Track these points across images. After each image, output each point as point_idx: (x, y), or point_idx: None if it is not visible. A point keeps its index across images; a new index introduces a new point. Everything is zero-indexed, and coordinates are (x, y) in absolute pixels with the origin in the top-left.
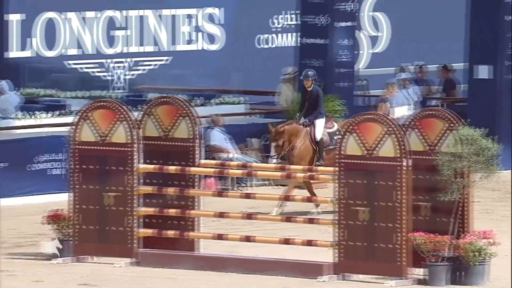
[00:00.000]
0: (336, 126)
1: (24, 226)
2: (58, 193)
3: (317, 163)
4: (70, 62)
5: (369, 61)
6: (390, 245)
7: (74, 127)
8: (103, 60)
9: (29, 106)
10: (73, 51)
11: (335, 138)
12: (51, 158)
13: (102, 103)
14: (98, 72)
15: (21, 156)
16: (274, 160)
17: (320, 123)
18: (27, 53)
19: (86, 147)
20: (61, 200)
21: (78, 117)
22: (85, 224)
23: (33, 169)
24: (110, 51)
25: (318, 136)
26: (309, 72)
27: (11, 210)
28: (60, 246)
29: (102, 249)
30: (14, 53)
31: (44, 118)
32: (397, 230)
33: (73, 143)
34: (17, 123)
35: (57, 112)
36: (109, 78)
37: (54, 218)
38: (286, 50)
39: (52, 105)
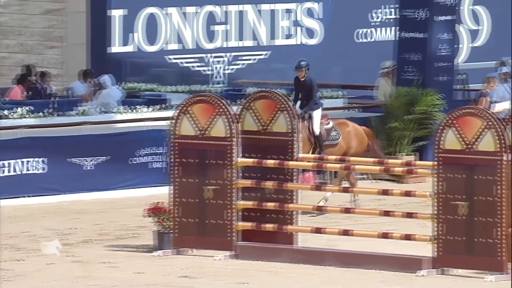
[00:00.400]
0: (331, 123)
1: (126, 219)
2: (158, 186)
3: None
4: (171, 56)
5: (468, 55)
6: (490, 239)
7: (174, 121)
8: (203, 55)
9: (131, 100)
10: (173, 46)
11: (332, 134)
12: (152, 152)
13: (201, 98)
14: (198, 66)
15: (122, 149)
16: None
17: (317, 114)
18: (129, 48)
19: (186, 141)
20: (161, 193)
21: (178, 111)
22: (185, 217)
23: (134, 162)
24: (210, 45)
25: (317, 131)
26: (302, 63)
27: (113, 202)
28: (61, 247)
29: (201, 242)
30: (116, 48)
31: (145, 112)
32: (497, 224)
33: (173, 137)
34: (119, 117)
35: (158, 106)
36: (208, 72)
37: (155, 211)
38: (385, 44)
39: (152, 99)
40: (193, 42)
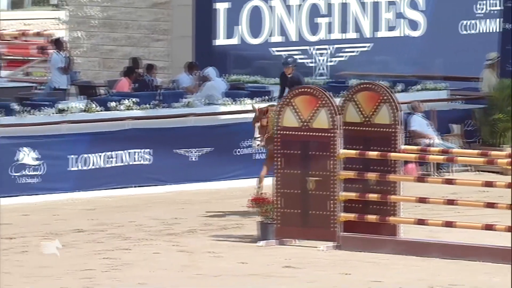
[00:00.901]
0: None
1: (230, 209)
2: None
3: None
4: (274, 49)
5: None
6: None
7: (277, 113)
8: (306, 47)
9: (234, 92)
10: (277, 39)
11: None
12: None
13: (304, 89)
14: (302, 59)
15: (227, 141)
16: (258, 142)
17: None
18: (233, 41)
19: (289, 132)
20: (265, 184)
21: (281, 103)
22: (287, 208)
23: (238, 153)
24: (313, 38)
25: None
26: (289, 59)
27: (217, 193)
28: (61, 247)
29: (304, 233)
30: (220, 40)
31: (249, 104)
32: None
33: (276, 128)
34: (223, 109)
35: (261, 98)
36: (312, 64)
37: (258, 202)
38: (489, 35)
39: (256, 91)
40: (296, 35)
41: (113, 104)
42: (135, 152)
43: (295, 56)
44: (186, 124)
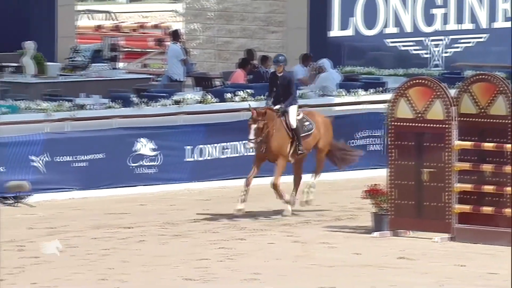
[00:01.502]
0: (301, 114)
1: (344, 200)
2: (376, 168)
3: (299, 152)
4: (389, 40)
5: None
6: None
7: (391, 104)
8: (422, 38)
9: (348, 83)
10: (392, 30)
11: (305, 125)
12: (369, 134)
13: (419, 81)
14: (417, 50)
15: (341, 132)
16: (252, 144)
17: (293, 109)
18: (347, 32)
19: (403, 123)
20: (379, 175)
21: (395, 94)
22: (401, 199)
23: (353, 144)
24: (428, 29)
25: (294, 124)
26: (280, 57)
27: (332, 184)
28: (60, 247)
29: (418, 224)
30: (335, 32)
31: (363, 95)
32: None
33: (390, 119)
34: (337, 100)
35: (375, 90)
36: (427, 56)
37: (372, 193)
38: None
39: (370, 83)
40: (411, 26)
41: (228, 95)
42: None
43: (410, 47)
44: None
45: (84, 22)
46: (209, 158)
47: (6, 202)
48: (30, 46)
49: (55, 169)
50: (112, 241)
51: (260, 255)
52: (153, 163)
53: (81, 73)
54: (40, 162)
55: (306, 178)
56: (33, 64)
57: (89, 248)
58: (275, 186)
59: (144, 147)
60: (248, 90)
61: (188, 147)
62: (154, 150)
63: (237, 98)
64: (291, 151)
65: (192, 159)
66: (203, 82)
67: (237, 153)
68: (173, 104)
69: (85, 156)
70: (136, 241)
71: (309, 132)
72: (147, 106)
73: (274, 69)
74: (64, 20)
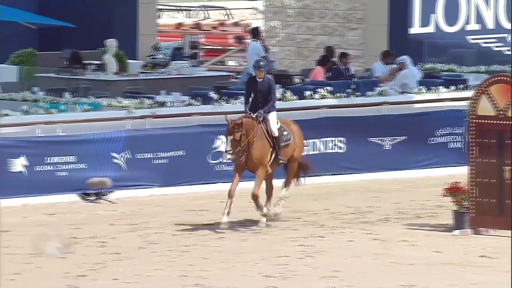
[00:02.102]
0: (279, 123)
1: (424, 198)
2: (457, 166)
3: (280, 161)
4: (471, 37)
5: None
6: None
7: (472, 101)
8: (504, 35)
9: (429, 80)
10: (473, 26)
11: (284, 134)
12: (450, 132)
13: (501, 78)
14: (499, 47)
15: (421, 129)
16: (229, 156)
17: (273, 117)
18: (428, 29)
19: (484, 121)
20: (460, 173)
21: (476, 91)
22: (482, 197)
23: (433, 142)
24: (511, 25)
25: (276, 132)
26: (261, 63)
27: (411, 182)
28: (61, 246)
29: (499, 222)
30: (416, 29)
31: (444, 92)
32: None
33: (471, 117)
34: (418, 97)
35: (456, 87)
36: (509, 52)
37: (453, 191)
38: None
39: (451, 80)
40: (493, 22)
41: (308, 93)
42: (329, 140)
43: (491, 44)
44: (380, 113)
45: (165, 20)
46: None
47: (88, 198)
48: (112, 44)
49: (136, 166)
50: (192, 238)
51: (340, 253)
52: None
53: (162, 71)
54: (122, 159)
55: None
56: (114, 61)
57: (170, 245)
58: (255, 197)
59: (224, 144)
60: (328, 88)
61: None
62: None
63: (316, 96)
64: (271, 161)
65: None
66: (282, 79)
67: (316, 151)
68: None
69: (166, 153)
70: (216, 238)
71: (288, 142)
72: (227, 103)
73: (256, 74)
74: (145, 18)
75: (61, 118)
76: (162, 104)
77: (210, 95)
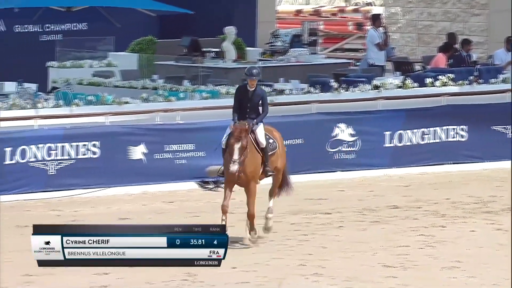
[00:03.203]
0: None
1: None
2: None
3: (269, 173)
4: None
5: None
6: None
7: None
8: None
9: None
10: None
11: (270, 142)
12: None
13: None
14: None
15: None
16: (237, 166)
17: (261, 127)
18: None
19: None
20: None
21: None
22: None
23: None
24: None
25: (264, 142)
26: (254, 71)
27: None
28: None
29: None
30: None
31: None
32: None
33: None
34: None
35: None
36: None
37: None
38: None
39: None
40: None
41: (429, 80)
42: (450, 128)
43: None
44: (503, 101)
45: (284, 6)
46: (408, 143)
47: (206, 186)
48: (231, 31)
49: None
50: (311, 227)
51: (461, 243)
52: (352, 149)
53: (280, 58)
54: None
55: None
56: (233, 49)
57: (288, 234)
58: (252, 217)
59: (343, 132)
60: (449, 75)
61: (387, 132)
62: (353, 135)
63: (437, 83)
64: (260, 173)
65: (391, 145)
66: (403, 66)
67: (437, 139)
68: (372, 89)
69: (284, 142)
70: (334, 227)
71: (274, 151)
72: (346, 91)
73: (248, 83)
74: (264, 5)
75: (180, 106)
76: (281, 92)
77: (329, 83)
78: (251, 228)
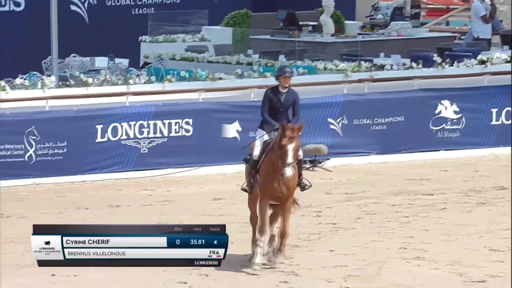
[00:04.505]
0: None
1: None
2: None
3: (306, 187)
4: None
5: None
6: None
7: None
8: None
9: None
10: None
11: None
12: None
13: None
14: None
15: None
16: (290, 171)
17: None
18: None
19: None
20: None
21: None
22: None
23: None
24: None
25: (301, 153)
26: (287, 68)
27: None
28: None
29: None
30: None
31: None
32: None
33: None
34: None
35: None
36: None
37: None
38: None
39: None
40: None
41: None
42: None
43: None
44: None
45: None
46: None
47: (303, 166)
48: (329, 3)
49: (353, 132)
50: (412, 208)
51: None
52: (456, 127)
53: (381, 32)
54: (338, 125)
55: None
56: (331, 22)
57: (388, 215)
58: (285, 236)
59: (447, 109)
60: None
61: (494, 109)
62: (457, 112)
63: None
64: None
65: (498, 122)
66: (510, 40)
67: None
68: (478, 64)
69: (384, 119)
70: (437, 209)
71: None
72: (450, 66)
73: (281, 82)
74: None
75: (275, 82)
76: (381, 67)
77: (433, 58)
78: (281, 249)
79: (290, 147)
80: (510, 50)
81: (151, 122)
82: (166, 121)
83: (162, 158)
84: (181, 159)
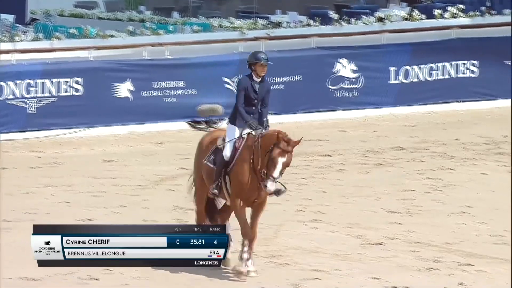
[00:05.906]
0: None
1: None
2: None
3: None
4: None
5: None
6: None
7: None
8: None
9: None
10: None
11: None
12: None
13: None
14: None
15: None
16: (275, 186)
17: None
18: None
19: None
20: None
21: None
22: None
23: None
24: None
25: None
26: (262, 55)
27: None
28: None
29: None
30: None
31: None
32: None
33: None
34: None
35: None
36: None
37: None
38: None
39: None
40: None
41: (437, 11)
42: (460, 63)
43: None
44: None
45: None
46: (415, 80)
47: (197, 126)
48: None
49: None
50: (310, 170)
51: (471, 187)
52: (354, 86)
53: None
54: (234, 84)
55: None
56: None
57: (285, 177)
58: (254, 238)
59: (345, 68)
60: (459, 5)
61: (393, 68)
62: (355, 71)
63: (447, 15)
64: None
65: (397, 82)
66: None
67: (446, 75)
68: (376, 22)
69: (281, 78)
70: (335, 170)
71: None
72: (348, 24)
73: (256, 70)
74: None
75: (169, 40)
76: (278, 25)
77: (330, 15)
78: (249, 253)
79: (280, 161)
80: (409, 7)
81: (39, 81)
82: (55, 80)
83: (51, 119)
84: (71, 120)
